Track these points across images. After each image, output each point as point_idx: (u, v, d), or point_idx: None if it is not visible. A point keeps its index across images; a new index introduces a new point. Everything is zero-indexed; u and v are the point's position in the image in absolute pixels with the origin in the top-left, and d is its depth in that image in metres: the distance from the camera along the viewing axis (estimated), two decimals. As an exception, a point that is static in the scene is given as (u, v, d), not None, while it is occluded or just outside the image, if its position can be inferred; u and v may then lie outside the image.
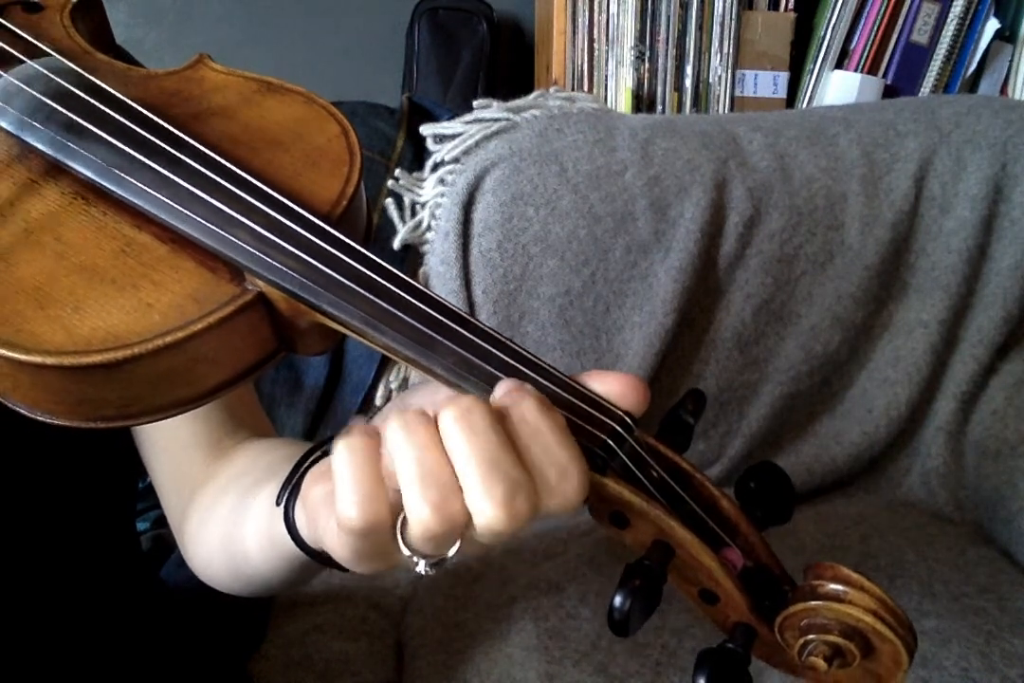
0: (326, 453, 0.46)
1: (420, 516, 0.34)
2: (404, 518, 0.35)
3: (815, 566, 0.40)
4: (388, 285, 0.38)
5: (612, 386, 0.38)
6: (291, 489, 0.46)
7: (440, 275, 1.09)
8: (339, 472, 0.35)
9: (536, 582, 0.95)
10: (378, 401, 1.09)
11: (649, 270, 1.12)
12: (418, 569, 0.37)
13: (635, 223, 1.11)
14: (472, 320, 0.39)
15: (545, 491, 0.35)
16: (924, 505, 1.15)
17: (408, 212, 1.11)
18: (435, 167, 1.12)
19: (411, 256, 1.11)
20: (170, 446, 0.61)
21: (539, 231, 1.09)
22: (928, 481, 1.16)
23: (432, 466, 0.34)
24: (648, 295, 1.12)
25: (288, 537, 0.46)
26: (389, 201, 1.10)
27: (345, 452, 0.36)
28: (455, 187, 1.09)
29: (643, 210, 1.11)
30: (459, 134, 1.12)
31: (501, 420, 0.35)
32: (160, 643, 0.70)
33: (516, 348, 0.39)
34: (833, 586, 0.39)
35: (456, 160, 1.10)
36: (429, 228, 1.10)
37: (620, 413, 0.38)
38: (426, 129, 1.13)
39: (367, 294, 0.38)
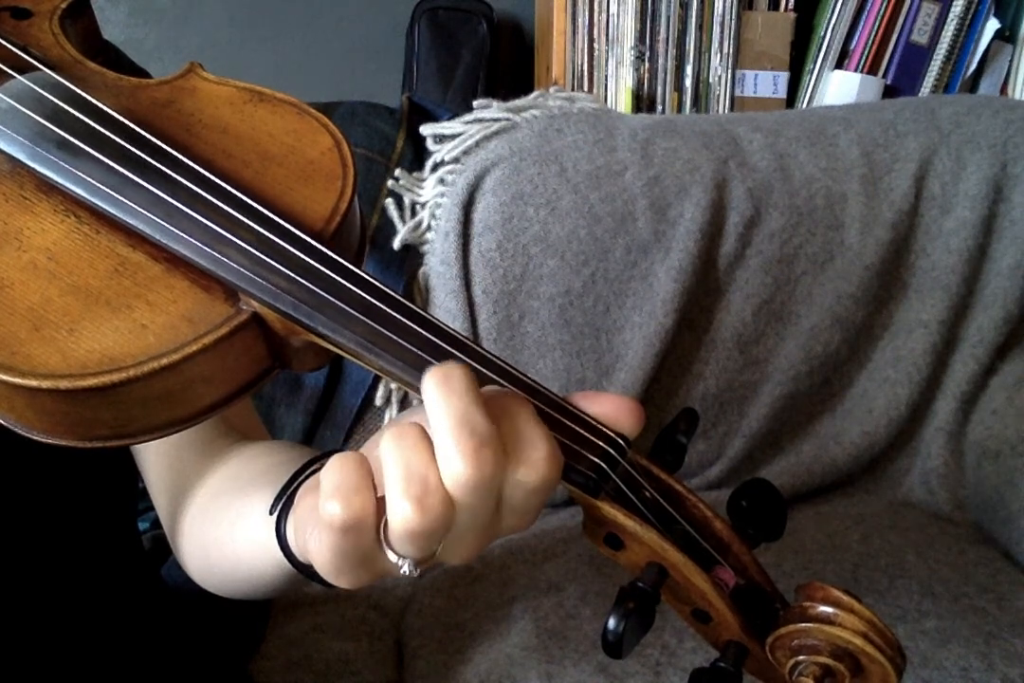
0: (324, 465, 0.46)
1: (402, 512, 0.34)
2: (386, 521, 0.35)
3: (806, 586, 0.40)
4: (383, 307, 0.38)
5: (607, 408, 0.38)
6: (285, 501, 0.46)
7: (440, 275, 1.09)
8: (327, 471, 0.36)
9: (536, 582, 0.95)
10: (378, 401, 1.09)
11: (649, 270, 1.12)
12: (402, 571, 0.37)
13: (635, 223, 1.11)
14: (465, 341, 0.38)
15: (513, 456, 0.35)
16: (924, 505, 1.15)
17: (408, 212, 1.11)
18: (435, 167, 1.12)
19: (411, 256, 1.11)
20: (161, 447, 0.61)
21: (539, 231, 1.09)
22: (928, 481, 1.16)
23: (417, 465, 0.34)
24: (648, 295, 1.12)
25: (278, 546, 0.46)
26: (389, 201, 1.10)
27: (336, 458, 0.36)
28: (455, 187, 1.09)
29: (643, 210, 1.11)
30: (459, 134, 1.12)
31: None
32: (161, 642, 0.70)
33: (511, 370, 0.38)
34: (823, 608, 0.39)
35: (456, 160, 1.10)
36: (429, 228, 1.10)
37: (613, 435, 0.38)
38: (426, 129, 1.13)
39: (362, 316, 0.37)
